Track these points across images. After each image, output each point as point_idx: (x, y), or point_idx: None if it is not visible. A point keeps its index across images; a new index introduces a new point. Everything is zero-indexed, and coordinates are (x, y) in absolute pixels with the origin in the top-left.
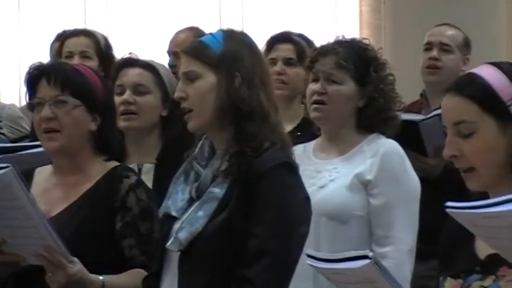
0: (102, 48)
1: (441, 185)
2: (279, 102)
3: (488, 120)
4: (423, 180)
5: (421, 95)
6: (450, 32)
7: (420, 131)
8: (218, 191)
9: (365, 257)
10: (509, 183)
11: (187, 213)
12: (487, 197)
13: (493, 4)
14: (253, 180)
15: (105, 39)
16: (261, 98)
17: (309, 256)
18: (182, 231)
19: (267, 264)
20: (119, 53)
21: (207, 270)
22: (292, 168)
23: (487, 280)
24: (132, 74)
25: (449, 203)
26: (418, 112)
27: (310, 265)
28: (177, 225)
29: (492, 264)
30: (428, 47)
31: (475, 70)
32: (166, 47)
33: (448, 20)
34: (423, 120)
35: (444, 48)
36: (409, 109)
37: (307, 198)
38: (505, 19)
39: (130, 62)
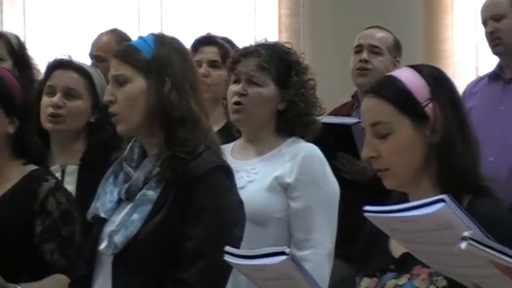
0: (14, 48)
1: (374, 188)
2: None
3: (404, 121)
4: (353, 183)
5: (353, 96)
6: (380, 34)
7: (353, 134)
8: (152, 193)
9: (282, 253)
10: (426, 183)
11: (120, 215)
12: (407, 200)
13: (411, 8)
14: (189, 183)
15: (18, 38)
16: (191, 103)
17: (227, 253)
18: (117, 235)
19: (204, 266)
20: (37, 54)
21: (142, 273)
22: (227, 172)
23: (401, 279)
24: (64, 77)
25: (366, 207)
26: (349, 113)
27: (229, 262)
28: (109, 228)
29: (406, 263)
30: (359, 49)
31: (394, 73)
32: (84, 48)
33: (367, 25)
34: (356, 123)
35: (374, 50)
36: (340, 110)
37: (240, 202)
38: (423, 23)
39: (64, 64)
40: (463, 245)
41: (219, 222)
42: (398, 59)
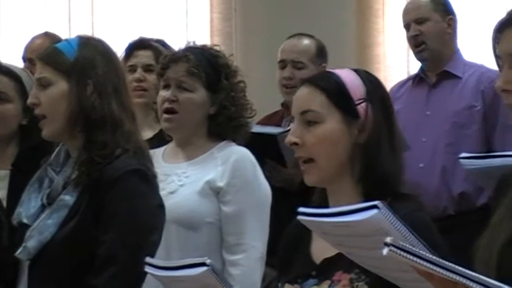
0: None
1: (302, 195)
2: (139, 109)
3: (335, 114)
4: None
5: (282, 104)
6: (302, 44)
7: (279, 143)
8: (68, 198)
9: (203, 264)
10: (348, 182)
11: (38, 220)
12: (327, 205)
13: (342, 13)
14: (103, 187)
15: None
16: (112, 106)
17: (148, 264)
18: (31, 240)
19: (114, 272)
20: None
21: (56, 279)
22: (144, 175)
23: (322, 285)
24: None
25: (301, 209)
26: (279, 122)
27: (149, 273)
28: (28, 233)
29: (327, 269)
30: (282, 65)
31: (333, 70)
32: (16, 51)
33: (299, 29)
34: (281, 133)
35: (297, 66)
36: (270, 119)
37: (160, 206)
38: (354, 27)
39: None
40: (385, 250)
41: (133, 228)
42: (324, 64)
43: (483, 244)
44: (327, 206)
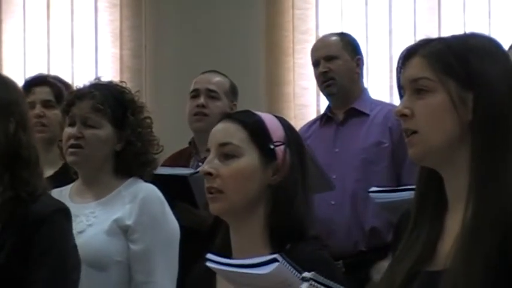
0: None
1: (213, 236)
2: (40, 145)
3: (253, 151)
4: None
5: (190, 143)
6: (217, 78)
7: (190, 184)
8: None
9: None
10: (255, 221)
11: None
12: (229, 248)
13: (252, 51)
14: (32, 226)
15: None
16: (33, 143)
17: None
18: None
19: None
20: None
21: None
22: (67, 214)
23: None
24: None
25: (209, 255)
26: (188, 160)
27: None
28: None
29: None
30: (195, 94)
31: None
32: None
33: (209, 66)
34: (192, 174)
35: (211, 95)
36: (178, 156)
37: (75, 246)
38: (264, 66)
39: None
40: (304, 285)
41: (62, 266)
42: (235, 103)
43: (382, 285)
44: (229, 250)
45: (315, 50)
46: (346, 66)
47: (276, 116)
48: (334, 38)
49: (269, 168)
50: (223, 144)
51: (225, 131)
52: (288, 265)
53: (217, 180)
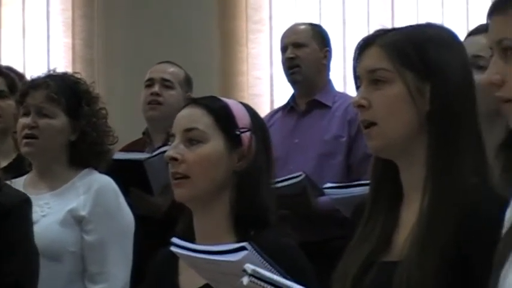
0: None
1: (167, 223)
2: None
3: (219, 137)
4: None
5: (144, 133)
6: (172, 69)
7: (145, 170)
8: None
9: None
10: (219, 208)
11: None
12: (192, 235)
13: (207, 41)
14: None
15: None
16: None
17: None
18: None
19: None
20: None
21: None
22: (30, 205)
23: None
24: None
25: (174, 240)
26: (142, 150)
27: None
28: None
29: None
30: (150, 83)
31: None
32: None
33: (162, 57)
34: (148, 158)
35: (166, 84)
36: (132, 147)
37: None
38: (218, 56)
39: None
40: (245, 280)
41: (31, 256)
42: (189, 93)
43: (336, 277)
44: (192, 236)
45: (284, 36)
46: (313, 55)
47: (242, 103)
48: (304, 26)
49: (234, 154)
50: (188, 130)
51: (191, 116)
52: (256, 253)
53: (182, 165)
